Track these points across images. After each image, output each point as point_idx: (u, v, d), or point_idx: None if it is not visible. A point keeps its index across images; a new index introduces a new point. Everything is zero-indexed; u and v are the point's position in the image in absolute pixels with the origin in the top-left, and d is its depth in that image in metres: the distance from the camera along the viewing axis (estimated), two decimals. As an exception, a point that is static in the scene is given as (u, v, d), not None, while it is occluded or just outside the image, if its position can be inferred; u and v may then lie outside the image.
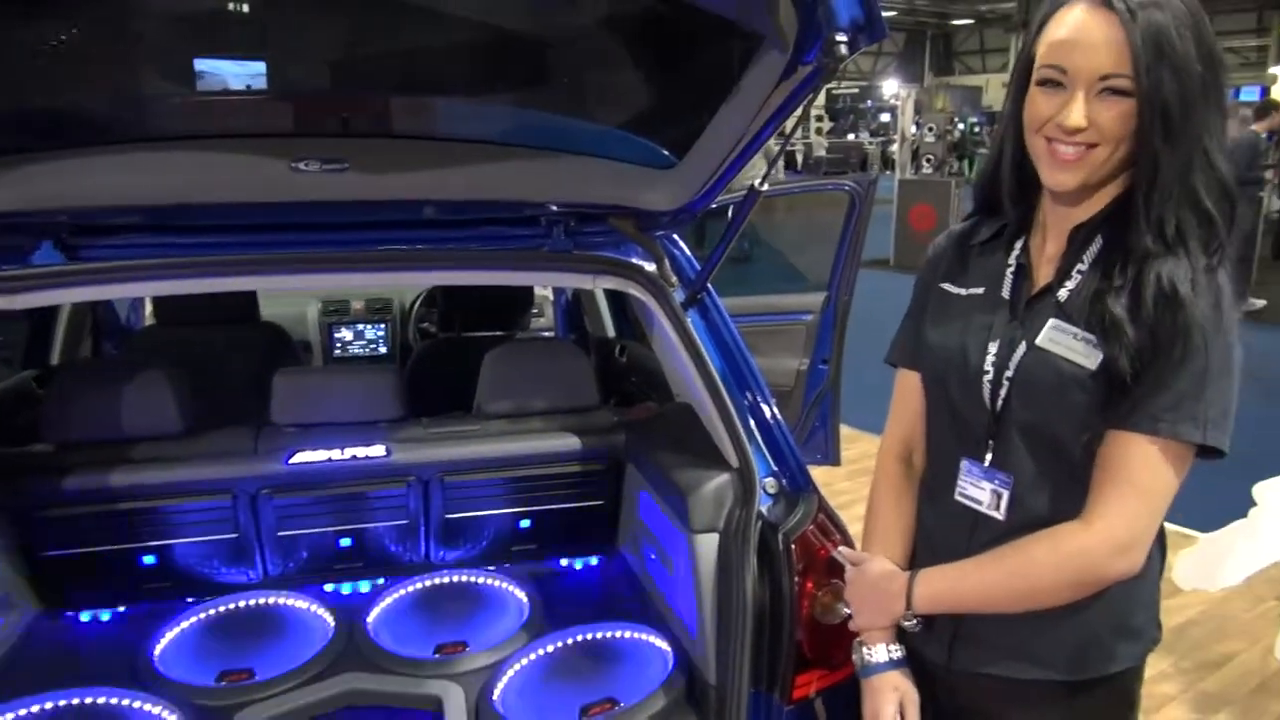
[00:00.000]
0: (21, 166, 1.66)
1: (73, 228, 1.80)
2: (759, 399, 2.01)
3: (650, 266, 2.02)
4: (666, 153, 1.87)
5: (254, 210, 1.87)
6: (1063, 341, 1.27)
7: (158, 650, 2.10)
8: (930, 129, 11.96)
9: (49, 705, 1.87)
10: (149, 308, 3.89)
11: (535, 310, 4.42)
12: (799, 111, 1.62)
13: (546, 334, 4.32)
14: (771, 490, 1.89)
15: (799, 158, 23.14)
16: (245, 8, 1.67)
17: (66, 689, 1.89)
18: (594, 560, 2.61)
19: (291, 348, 3.32)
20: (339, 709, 2.02)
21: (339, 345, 4.30)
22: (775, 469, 1.93)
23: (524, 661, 2.11)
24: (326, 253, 1.89)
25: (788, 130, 1.69)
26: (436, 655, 2.12)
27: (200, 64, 1.72)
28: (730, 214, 2.22)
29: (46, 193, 1.69)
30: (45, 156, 1.66)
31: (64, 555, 2.20)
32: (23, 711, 1.84)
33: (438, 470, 2.34)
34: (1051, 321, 1.29)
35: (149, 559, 2.24)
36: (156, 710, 1.89)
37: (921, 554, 1.48)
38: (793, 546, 1.77)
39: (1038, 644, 1.34)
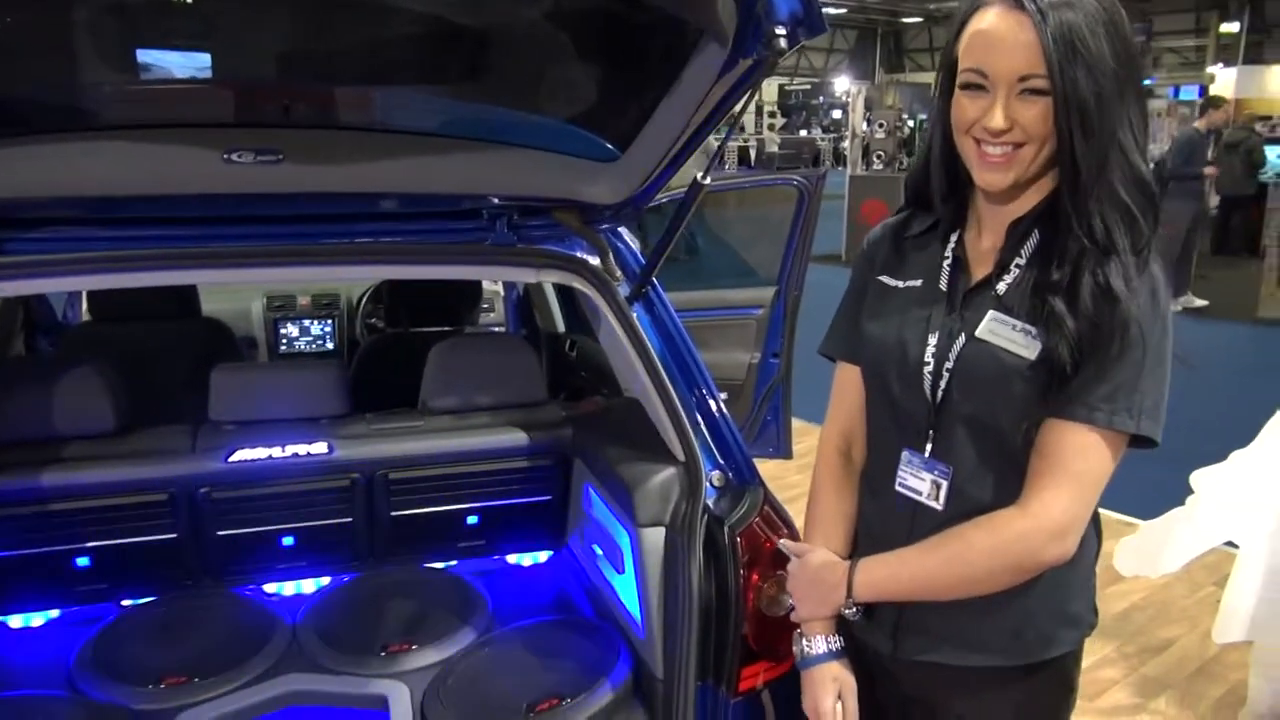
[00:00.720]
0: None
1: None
2: (705, 393, 2.01)
3: (595, 260, 2.01)
4: (609, 146, 1.86)
5: (188, 203, 1.82)
6: (1002, 333, 1.29)
7: (94, 654, 2.05)
8: (881, 125, 12.07)
9: None
10: (84, 303, 3.79)
11: (486, 305, 4.39)
12: (740, 105, 1.62)
13: (496, 329, 4.29)
14: (718, 484, 1.90)
15: (751, 153, 23.27)
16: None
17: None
18: (542, 556, 2.59)
19: (233, 343, 3.25)
20: (282, 709, 1.98)
21: (285, 341, 4.22)
22: (721, 462, 1.94)
23: (471, 658, 2.09)
24: (260, 247, 1.85)
25: (733, 124, 1.69)
26: (382, 654, 2.09)
27: (133, 52, 1.67)
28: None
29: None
30: None
31: None
32: None
33: (382, 467, 2.30)
34: (991, 314, 1.30)
35: (82, 560, 2.18)
36: (85, 715, 1.84)
37: (863, 544, 1.49)
38: (738, 539, 1.77)
39: (979, 631, 1.36)
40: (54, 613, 2.27)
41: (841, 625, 1.48)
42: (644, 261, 2.10)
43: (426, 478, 2.36)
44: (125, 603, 2.26)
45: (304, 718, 1.99)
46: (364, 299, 4.23)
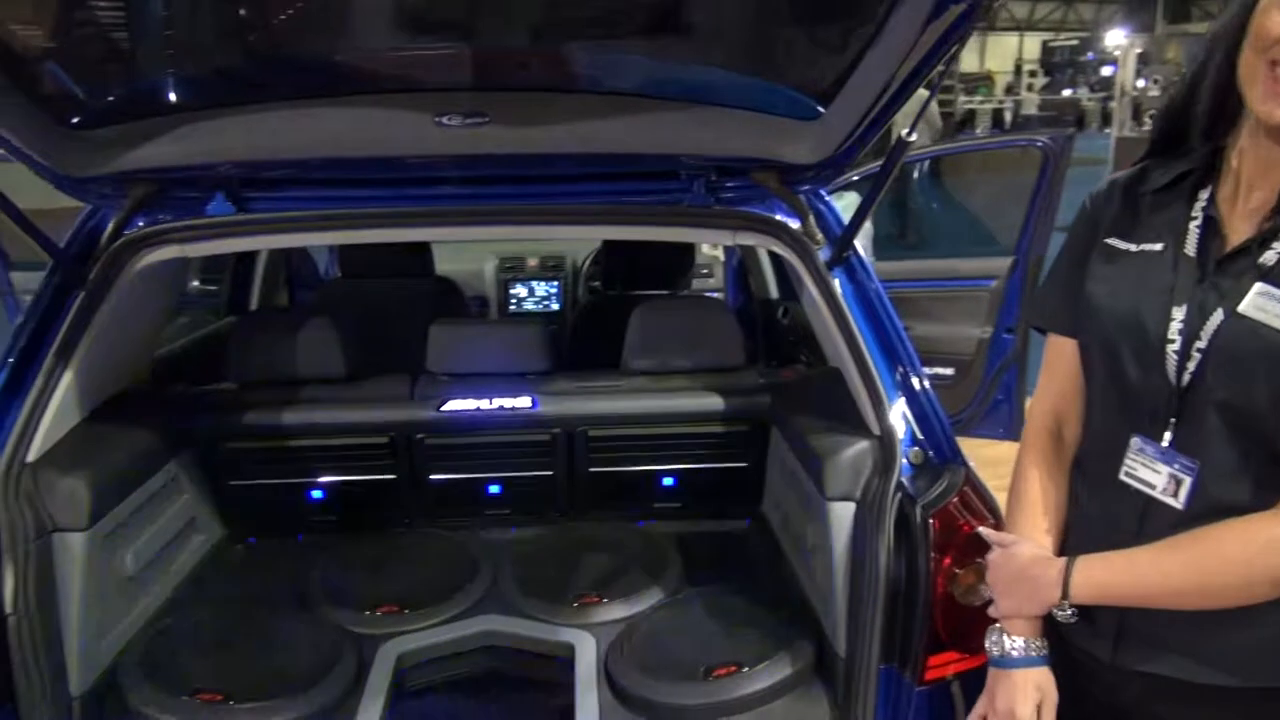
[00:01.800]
0: (196, 123, 1.78)
1: (242, 180, 1.93)
2: (908, 366, 1.90)
3: (794, 223, 1.94)
4: (810, 103, 1.78)
5: (406, 164, 1.93)
6: (1273, 309, 1.11)
7: (320, 578, 2.25)
8: (1156, 81, 10.90)
9: (225, 620, 2.05)
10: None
11: (705, 270, 4.40)
12: (949, 58, 1.49)
13: (714, 294, 4.28)
14: (915, 461, 1.79)
15: (1007, 115, 21.75)
16: None
17: (243, 605, 2.06)
18: (735, 522, 2.58)
19: (461, 300, 3.45)
20: (477, 648, 2.10)
21: (514, 301, 4.44)
22: (921, 439, 1.83)
23: (656, 617, 2.12)
24: (457, 207, 1.94)
25: (939, 79, 1.57)
26: (574, 604, 2.16)
27: (357, 22, 1.79)
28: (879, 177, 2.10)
29: (215, 147, 1.81)
30: (214, 113, 1.77)
31: (244, 485, 2.39)
32: (203, 624, 2.04)
33: (582, 423, 2.37)
34: (1258, 286, 1.13)
35: (316, 493, 2.41)
36: (315, 633, 2.03)
37: (1077, 538, 1.35)
38: (932, 521, 1.67)
39: (1216, 644, 1.20)
40: (290, 536, 2.51)
41: (1047, 626, 1.35)
42: (846, 225, 2.00)
43: (624, 437, 2.40)
44: (349, 533, 2.47)
45: (494, 658, 2.09)
46: (587, 261, 4.36)
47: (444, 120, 1.78)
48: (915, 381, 1.88)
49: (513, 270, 4.43)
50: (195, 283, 3.49)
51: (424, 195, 1.96)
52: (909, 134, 1.64)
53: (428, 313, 3.12)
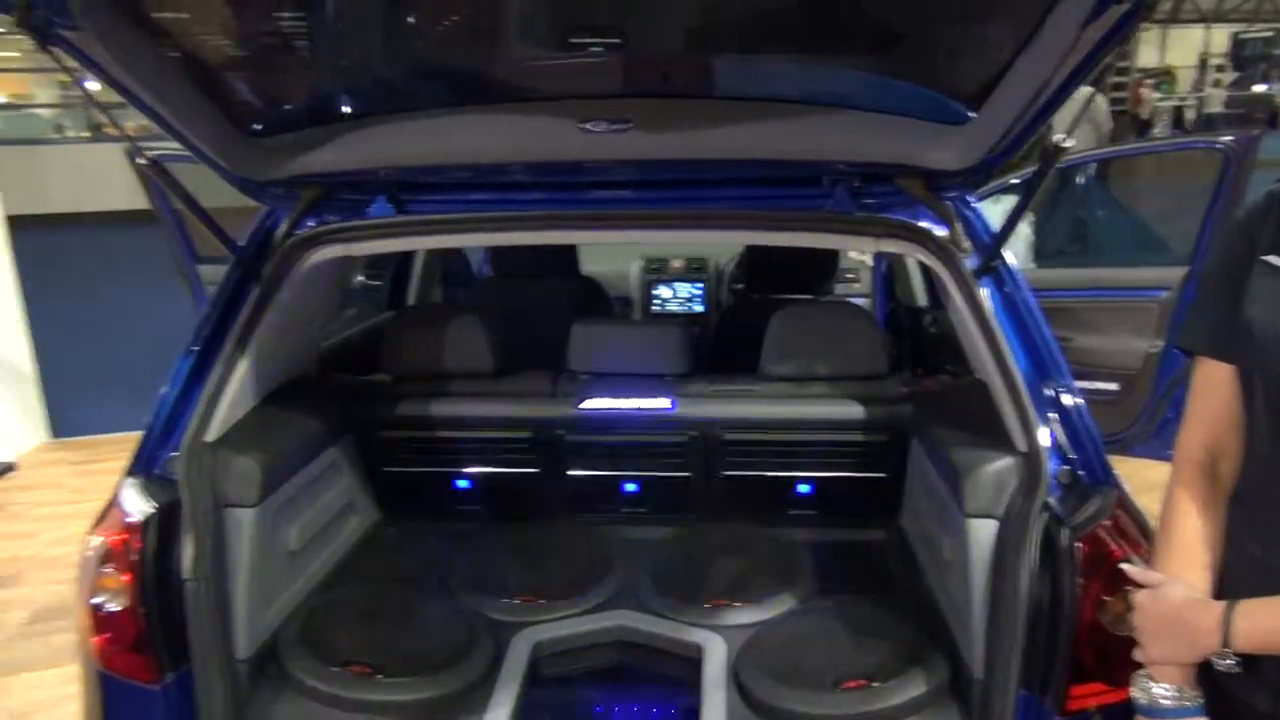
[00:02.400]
0: (360, 130, 1.90)
1: (402, 184, 2.04)
2: (1059, 380, 1.82)
3: (941, 230, 1.89)
4: (959, 107, 1.73)
5: (553, 169, 2.00)
6: None
7: (463, 564, 2.36)
8: (1365, 75, 9.91)
9: (376, 598, 2.18)
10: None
11: (851, 275, 4.32)
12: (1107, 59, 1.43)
13: (858, 299, 4.21)
14: (1064, 480, 1.72)
15: (1188, 114, 20.28)
16: None
17: (392, 586, 2.18)
18: (871, 532, 2.53)
19: (605, 300, 3.52)
20: (609, 641, 2.15)
21: (657, 302, 4.49)
22: (1072, 458, 1.75)
23: (788, 624, 2.11)
24: (602, 211, 1.98)
25: (1100, 80, 1.49)
26: (705, 605, 2.18)
27: (508, 34, 1.86)
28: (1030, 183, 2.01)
29: (378, 153, 1.92)
30: (377, 122, 1.89)
31: (396, 472, 2.53)
32: (355, 601, 2.17)
33: (718, 426, 2.38)
34: None
35: (462, 483, 2.52)
36: (457, 616, 2.13)
37: (1234, 581, 1.26)
38: (1079, 544, 1.59)
39: None
40: (437, 523, 2.63)
41: (1200, 674, 1.26)
42: (996, 231, 1.94)
43: (760, 441, 2.39)
44: (492, 522, 2.57)
45: (627, 651, 2.13)
46: (731, 264, 4.37)
47: (589, 127, 1.83)
48: (1067, 397, 1.80)
49: (657, 271, 4.48)
50: (360, 278, 3.71)
51: (571, 199, 2.02)
52: (1065, 138, 1.57)
53: (573, 312, 3.21)
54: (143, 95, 1.70)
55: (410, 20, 1.87)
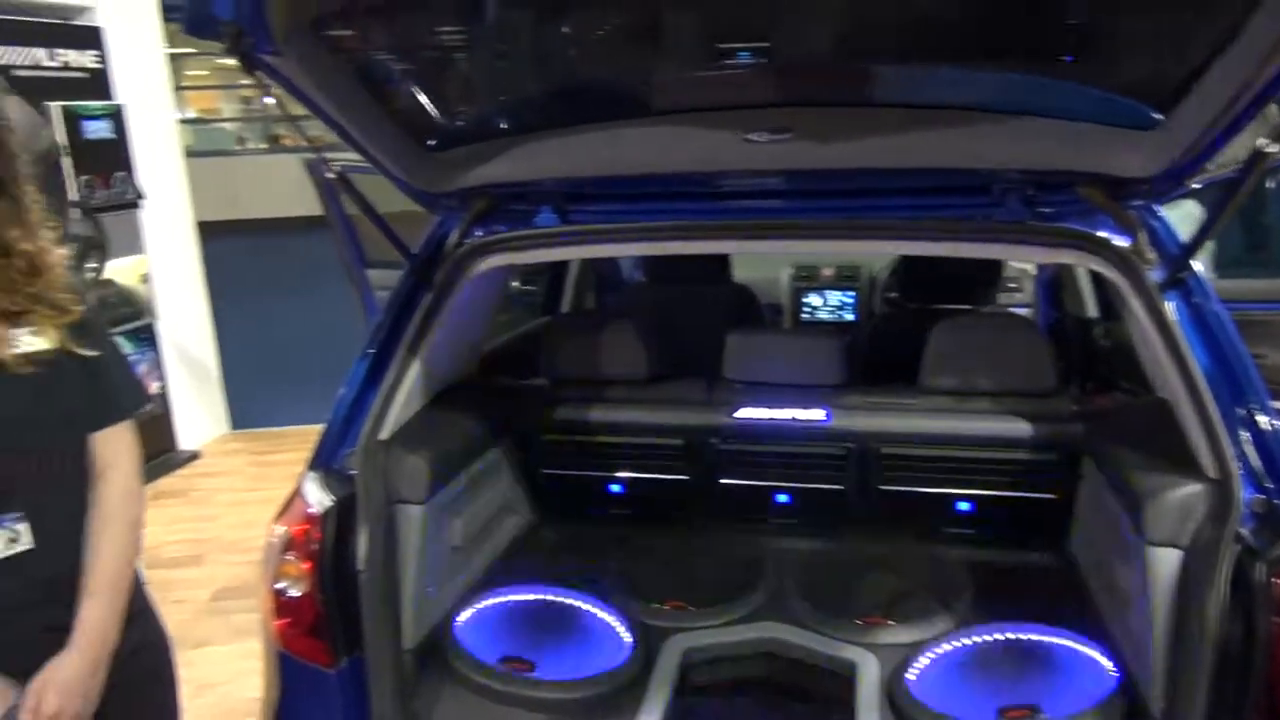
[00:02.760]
0: (529, 143, 1.97)
1: (567, 195, 2.09)
2: (1254, 400, 1.70)
3: (1123, 241, 1.79)
4: (1147, 110, 1.64)
5: (715, 179, 2.01)
6: None
7: (616, 567, 2.39)
8: None
9: (532, 597, 2.24)
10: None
11: (1013, 284, 4.15)
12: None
13: (1020, 309, 4.03)
14: (1259, 510, 1.60)
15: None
16: None
17: (548, 586, 2.24)
18: (1037, 555, 2.41)
19: (757, 308, 3.51)
20: (759, 653, 2.13)
21: (807, 309, 4.44)
22: (1268, 486, 1.62)
23: (946, 647, 2.04)
24: (773, 220, 1.97)
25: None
26: (858, 622, 2.14)
27: (671, 47, 1.89)
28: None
29: (547, 165, 1.98)
30: (544, 135, 1.95)
31: (552, 474, 2.59)
32: (513, 599, 2.23)
33: (875, 440, 2.33)
34: None
35: (615, 487, 2.56)
36: (610, 619, 2.16)
37: None
38: (1276, 580, 1.48)
39: None
40: (592, 525, 2.68)
41: None
42: (1184, 242, 1.82)
43: (919, 456, 2.33)
44: (645, 527, 2.59)
45: (777, 664, 2.11)
46: (884, 272, 4.27)
47: (752, 137, 1.83)
48: (1263, 419, 1.67)
49: (807, 279, 4.43)
50: (515, 284, 3.83)
51: (734, 209, 2.03)
52: (1268, 143, 1.46)
53: (725, 319, 3.22)
54: (333, 114, 1.81)
55: (575, 37, 1.92)
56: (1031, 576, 2.38)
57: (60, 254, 1.51)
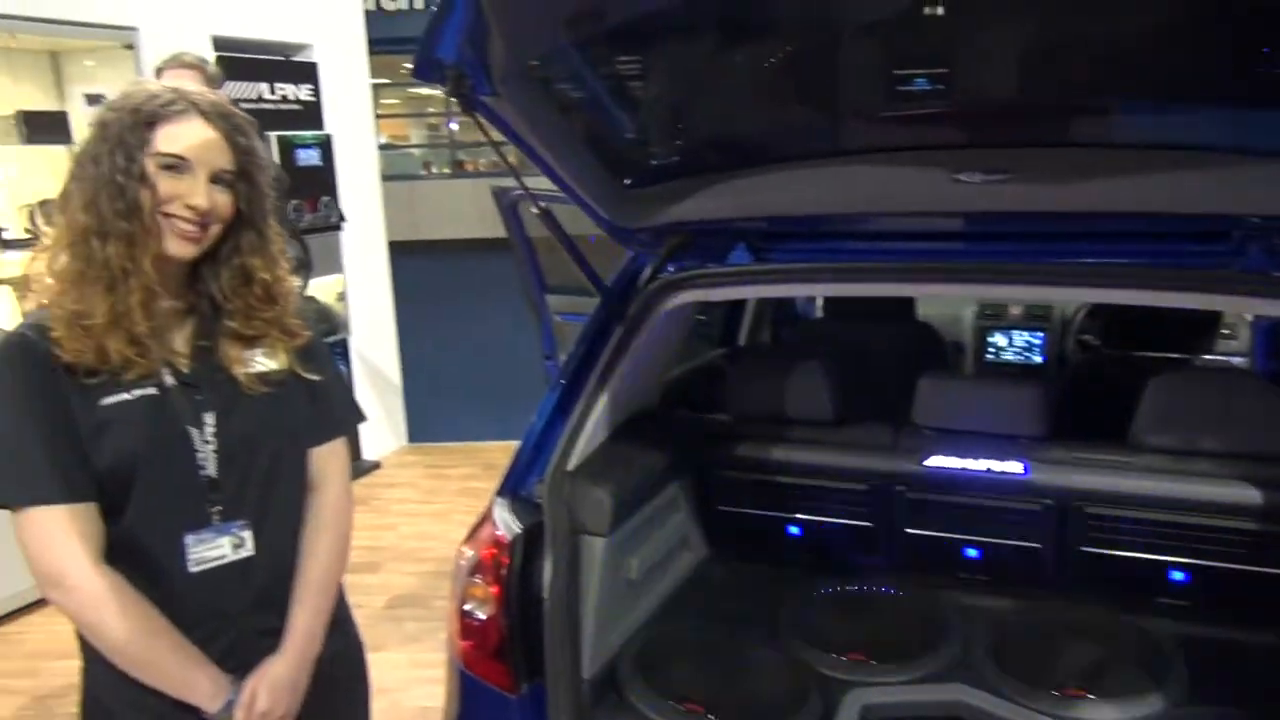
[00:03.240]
0: (729, 181, 1.96)
1: (762, 233, 2.07)
2: None
3: None
4: None
5: (918, 219, 1.94)
6: None
7: (792, 612, 2.33)
8: None
9: (707, 638, 2.21)
10: (819, 300, 4.28)
11: (1226, 330, 3.83)
12: None
13: (1235, 359, 3.70)
14: None
15: None
16: (923, 31, 1.72)
17: (723, 625, 2.20)
18: (1265, 636, 2.19)
19: (942, 349, 3.37)
20: (945, 716, 2.02)
21: (992, 350, 4.23)
22: None
23: None
24: (985, 263, 1.88)
25: None
26: (1054, 693, 2.00)
27: (876, 84, 1.84)
28: None
29: (746, 204, 1.97)
30: (742, 173, 1.94)
31: (729, 512, 2.56)
32: (688, 637, 2.21)
33: (1079, 498, 2.18)
34: None
35: (794, 529, 2.50)
36: (787, 667, 2.11)
37: None
38: None
39: None
40: (766, 565, 2.63)
41: None
42: None
43: (1129, 519, 2.16)
44: (822, 573, 2.52)
45: None
46: (1078, 314, 4.02)
47: (963, 177, 1.75)
48: None
49: (993, 318, 4.22)
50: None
51: (935, 250, 1.95)
52: None
53: (909, 359, 3.10)
54: (540, 150, 1.86)
55: (776, 75, 1.90)
56: (1256, 659, 2.16)
57: (294, 283, 1.61)
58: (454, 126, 16.61)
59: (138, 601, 1.42)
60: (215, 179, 1.40)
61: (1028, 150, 1.73)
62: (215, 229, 1.43)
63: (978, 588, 2.41)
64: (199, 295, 1.49)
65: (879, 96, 1.85)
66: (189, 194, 1.38)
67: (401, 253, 6.33)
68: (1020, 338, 4.21)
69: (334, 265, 5.32)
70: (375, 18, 8.34)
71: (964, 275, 1.87)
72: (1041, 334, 4.15)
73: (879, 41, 1.76)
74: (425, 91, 18.20)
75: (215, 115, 1.41)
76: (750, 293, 2.30)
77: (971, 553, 2.35)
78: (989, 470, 2.23)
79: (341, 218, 5.19)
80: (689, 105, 2.00)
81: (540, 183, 2.05)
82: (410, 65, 1.71)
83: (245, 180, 1.45)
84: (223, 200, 1.42)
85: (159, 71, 3.06)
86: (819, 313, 4.22)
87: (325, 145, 5.02)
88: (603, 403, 2.14)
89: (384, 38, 5.92)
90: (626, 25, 1.63)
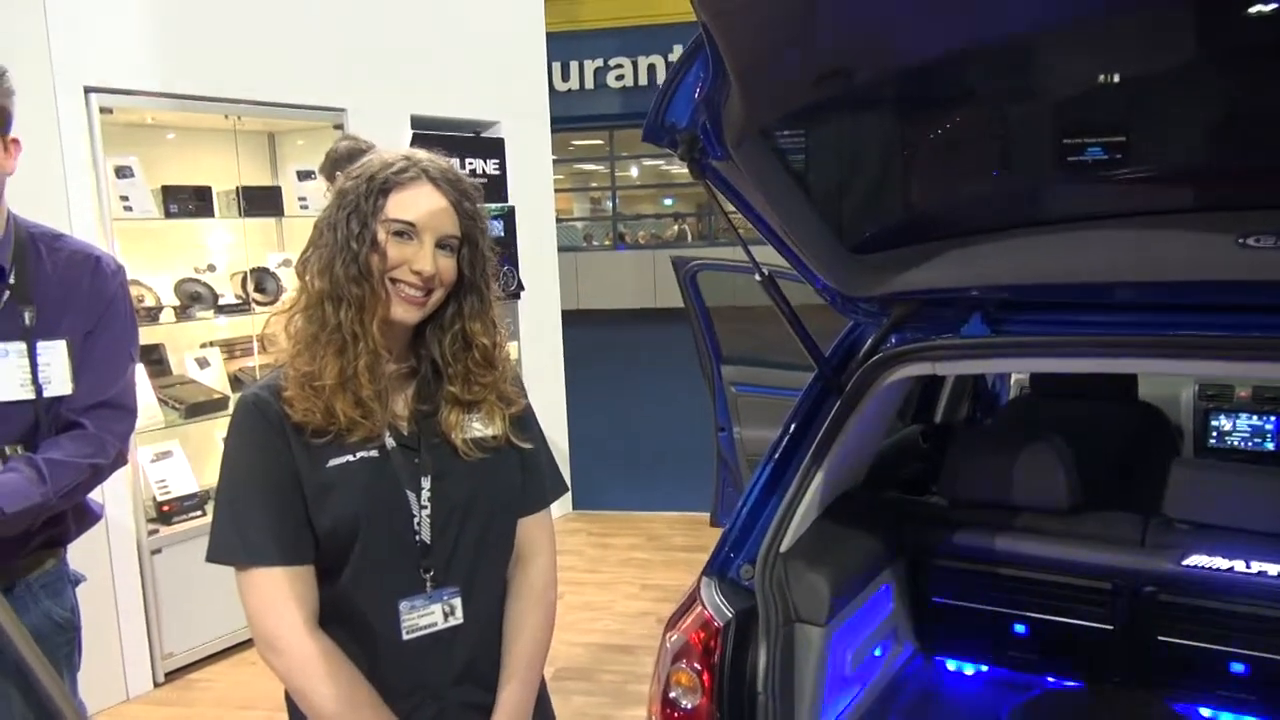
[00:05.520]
0: (965, 248, 1.83)
1: (1000, 303, 1.92)
2: None
3: None
4: None
5: (1178, 289, 1.75)
6: None
7: (1013, 715, 2.11)
8: None
9: None
10: (1013, 378, 4.01)
11: None
12: None
13: None
14: None
15: None
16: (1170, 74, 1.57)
17: None
18: None
19: (1169, 433, 3.07)
20: None
21: (1214, 434, 3.85)
22: None
23: None
24: (1247, 338, 1.67)
25: None
26: None
27: (1128, 144, 1.68)
28: None
29: (978, 271, 1.83)
30: (978, 240, 1.80)
31: (945, 604, 2.36)
32: None
33: None
34: None
35: (1019, 627, 2.27)
36: None
37: None
38: None
39: None
40: (984, 667, 2.40)
41: None
42: None
43: None
44: (1050, 679, 2.28)
45: None
46: (1322, 396, 3.61)
47: (1250, 241, 1.56)
48: None
49: (1216, 399, 3.85)
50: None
51: (1211, 324, 1.74)
52: None
53: (1131, 442, 2.83)
54: (765, 214, 1.79)
55: (1018, 133, 1.77)
56: None
57: (511, 348, 1.58)
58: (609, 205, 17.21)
59: (346, 669, 1.40)
60: (441, 244, 1.40)
61: None
62: (439, 294, 1.42)
63: (1245, 707, 2.11)
64: (421, 360, 1.49)
65: (1142, 154, 1.69)
66: (415, 259, 1.38)
67: (567, 322, 6.42)
68: (1246, 422, 3.83)
69: (512, 333, 5.43)
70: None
71: (1243, 352, 1.65)
72: (1275, 418, 3.75)
73: (1142, 93, 1.61)
74: (589, 167, 18.91)
75: (443, 180, 1.42)
76: (983, 367, 2.13)
77: (1237, 667, 2.06)
78: (1263, 573, 1.96)
79: (521, 286, 5.30)
80: (923, 166, 1.89)
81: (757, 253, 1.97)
82: (643, 129, 1.68)
83: (469, 244, 1.44)
84: (447, 265, 1.41)
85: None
86: (1012, 391, 3.97)
87: (509, 217, 5.17)
88: (817, 481, 2.01)
89: (555, 116, 6.12)
90: (872, 84, 1.54)
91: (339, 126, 4.35)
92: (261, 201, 4.27)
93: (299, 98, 4.26)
